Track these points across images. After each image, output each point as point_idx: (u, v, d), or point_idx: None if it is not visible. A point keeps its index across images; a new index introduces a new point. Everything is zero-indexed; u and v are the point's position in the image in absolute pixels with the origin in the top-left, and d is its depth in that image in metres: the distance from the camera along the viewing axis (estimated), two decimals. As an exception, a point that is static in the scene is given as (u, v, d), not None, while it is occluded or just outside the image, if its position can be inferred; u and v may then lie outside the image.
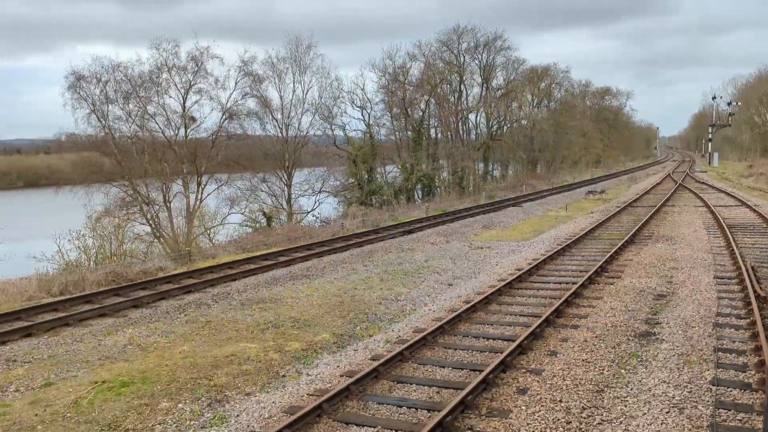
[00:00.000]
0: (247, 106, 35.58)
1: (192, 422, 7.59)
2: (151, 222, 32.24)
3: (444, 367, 8.97)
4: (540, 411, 7.27)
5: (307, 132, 40.63)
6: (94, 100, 30.44)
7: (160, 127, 32.42)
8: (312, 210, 40.72)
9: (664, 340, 9.81)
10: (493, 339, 10.17)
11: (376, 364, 8.80)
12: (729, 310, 11.29)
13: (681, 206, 29.69)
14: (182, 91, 32.74)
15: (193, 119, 33.14)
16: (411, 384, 8.39)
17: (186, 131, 33.19)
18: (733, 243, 17.44)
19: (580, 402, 7.52)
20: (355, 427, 7.13)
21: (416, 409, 7.54)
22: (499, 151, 67.30)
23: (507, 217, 28.03)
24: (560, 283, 13.93)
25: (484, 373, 8.12)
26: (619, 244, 18.01)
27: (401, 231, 23.57)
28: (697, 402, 7.35)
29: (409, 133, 53.42)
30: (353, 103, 49.88)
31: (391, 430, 6.99)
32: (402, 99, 52.45)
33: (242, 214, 35.52)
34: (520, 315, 11.54)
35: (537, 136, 71.02)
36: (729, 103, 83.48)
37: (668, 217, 25.64)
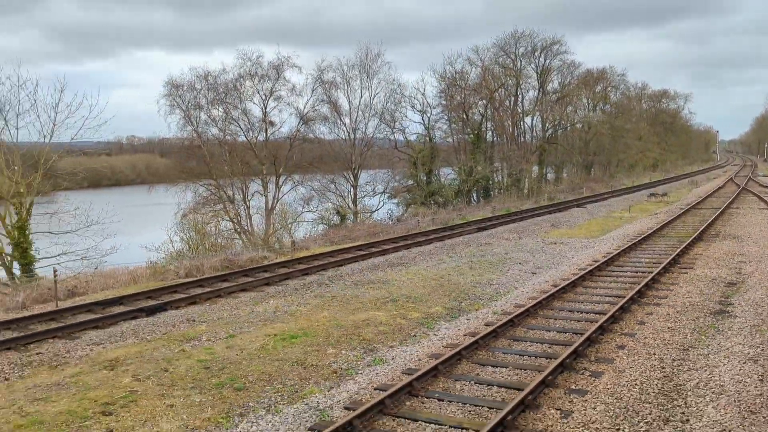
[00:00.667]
0: (320, 111, 38.19)
1: (358, 362, 9.83)
2: (233, 219, 35.14)
3: (549, 331, 10.97)
4: (638, 360, 9.20)
5: (373, 135, 42.98)
6: (187, 107, 33.56)
7: (242, 131, 35.36)
8: (377, 209, 43.03)
9: (736, 316, 11.53)
10: (586, 312, 12.08)
11: (492, 327, 10.86)
12: (796, 295, 12.85)
13: (745, 208, 30.64)
14: (263, 97, 35.65)
15: (272, 123, 35.98)
16: (525, 341, 10.42)
17: (266, 135, 36.02)
18: (799, 241, 18.70)
19: (670, 355, 9.41)
20: (491, 367, 9.23)
21: (536, 357, 9.58)
22: (554, 154, 68.26)
23: (572, 217, 29.63)
24: (637, 272, 15.68)
25: (586, 335, 10.07)
26: (688, 241, 19.54)
27: (474, 228, 25.53)
28: (769, 357, 9.13)
29: (468, 136, 55.19)
30: (414, 107, 52.11)
31: (523, 370, 9.05)
32: (461, 103, 54.34)
33: (312, 212, 38.11)
34: (606, 296, 13.41)
35: (593, 139, 71.65)
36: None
37: (733, 218, 26.78)
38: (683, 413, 7.40)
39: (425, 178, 50.68)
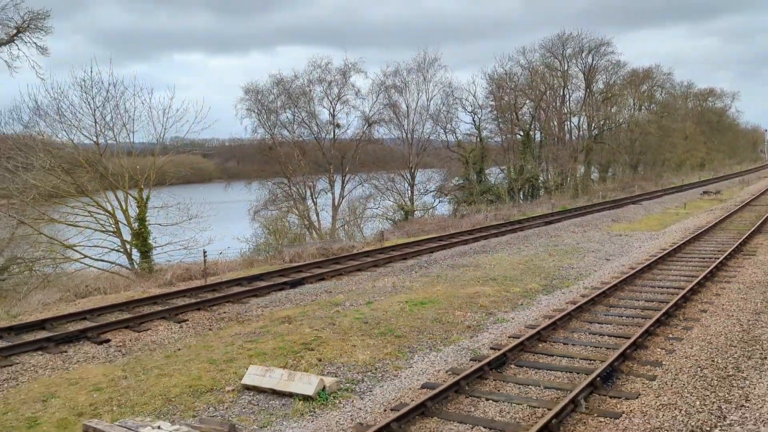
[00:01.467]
0: (382, 114, 40.84)
1: (484, 321, 12.28)
2: (302, 214, 38.01)
3: (638, 300, 13.25)
4: (719, 319, 11.44)
5: (429, 136, 45.41)
6: (261, 110, 36.57)
7: (312, 132, 38.23)
8: (433, 206, 45.43)
9: (799, 291, 13.60)
10: (665, 288, 14.30)
11: (588, 297, 13.17)
12: None
13: (800, 205, 32.08)
14: (331, 101, 38.46)
15: (339, 125, 38.76)
16: (619, 308, 12.74)
17: (334, 136, 38.85)
18: None
19: (745, 317, 11.60)
20: (597, 324, 11.57)
21: (633, 317, 11.88)
22: (600, 153, 69.56)
23: (630, 213, 31.55)
24: (704, 258, 17.77)
25: (672, 302, 12.31)
26: (747, 233, 21.45)
27: (541, 222, 27.75)
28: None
29: (518, 135, 57.19)
30: (465, 108, 54.38)
31: (624, 326, 11.37)
32: (510, 104, 56.39)
33: (376, 209, 40.73)
34: (680, 275, 15.59)
35: (639, 138, 72.66)
36: None
37: (788, 214, 28.36)
38: (761, 354, 9.62)
39: (476, 177, 52.93)
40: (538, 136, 62.05)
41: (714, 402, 7.86)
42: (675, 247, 19.45)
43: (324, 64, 38.35)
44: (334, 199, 38.94)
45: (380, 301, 13.81)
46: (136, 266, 24.02)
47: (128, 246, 24.30)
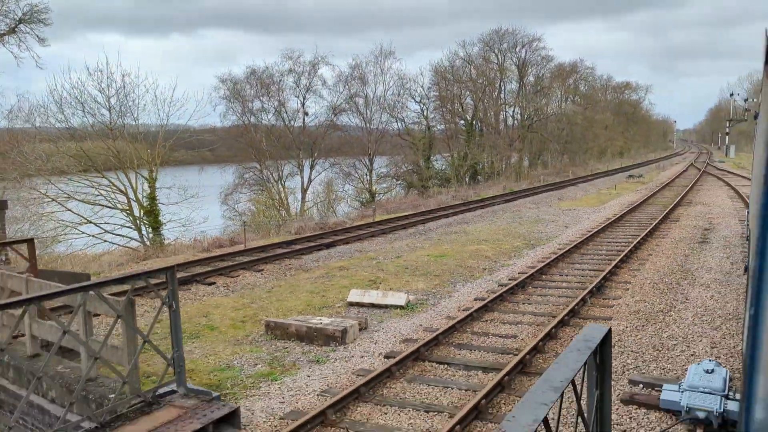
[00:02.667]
0: (349, 103, 44.43)
1: (492, 266, 16.47)
2: (275, 196, 41.12)
3: (602, 250, 17.87)
4: (662, 258, 16.17)
5: (385, 125, 49.39)
6: (239, 98, 39.27)
7: (284, 120, 41.32)
8: (390, 190, 49.52)
9: (712, 242, 18.68)
10: (619, 242, 19.04)
11: (565, 249, 17.65)
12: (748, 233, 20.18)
13: (708, 186, 38.55)
14: (302, 90, 41.67)
15: (307, 113, 42.01)
16: (589, 255, 17.28)
17: (303, 123, 42.08)
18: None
19: (679, 258, 16.40)
20: (578, 264, 16.03)
21: (603, 257, 16.42)
22: (533, 142, 75.87)
23: (571, 193, 36.87)
24: (641, 224, 22.80)
25: (628, 248, 16.96)
26: (671, 206, 26.87)
27: (500, 201, 32.42)
28: (736, 256, 16.21)
29: (461, 124, 62.20)
30: (413, 98, 58.71)
31: (598, 263, 15.88)
32: (454, 95, 61.28)
33: (342, 192, 44.37)
34: (627, 235, 20.42)
35: (566, 128, 79.62)
36: (745, 100, 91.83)
37: (700, 192, 34.51)
38: (692, 276, 14.32)
39: (424, 163, 57.51)
40: (478, 125, 67.49)
41: (666, 300, 12.36)
42: (617, 217, 24.46)
43: (296, 57, 41.56)
44: (303, 182, 42.25)
45: (407, 256, 17.74)
46: (146, 241, 26.70)
47: (139, 222, 26.89)
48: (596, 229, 21.35)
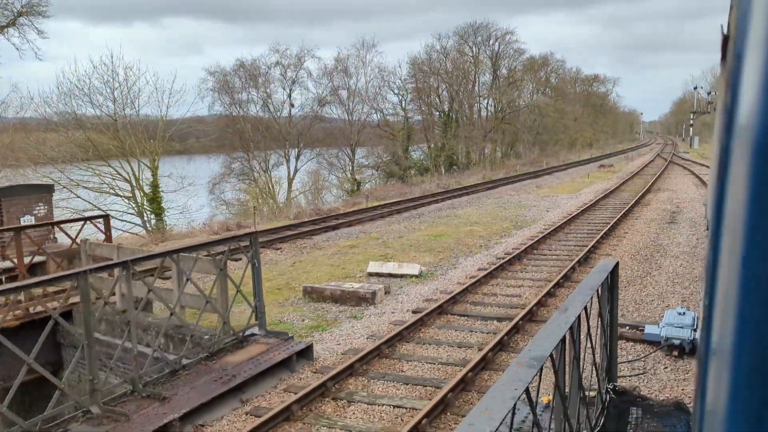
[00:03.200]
0: (330, 96, 45.99)
1: (487, 244, 18.42)
2: (261, 185, 42.52)
3: (584, 229, 19.98)
4: (637, 236, 18.34)
5: (367, 117, 51.10)
6: (227, 90, 40.53)
7: (271, 111, 42.72)
8: (371, 180, 51.26)
9: (680, 223, 20.97)
10: (597, 223, 21.19)
11: (551, 228, 19.70)
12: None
13: (674, 174, 41.29)
14: (288, 82, 43.09)
15: (293, 105, 43.48)
16: (573, 233, 19.37)
17: (290, 114, 43.54)
18: (713, 190, 28.86)
19: (651, 235, 18.59)
20: (564, 241, 18.08)
21: (586, 234, 18.51)
22: (506, 133, 78.36)
23: (547, 182, 39.17)
24: (616, 208, 25.06)
25: (608, 226, 19.09)
26: (642, 192, 29.25)
27: (481, 188, 34.47)
28: (700, 233, 18.47)
29: (438, 116, 64.21)
30: (392, 90, 60.49)
31: (582, 239, 17.96)
32: (432, 87, 63.22)
33: (327, 181, 45.97)
34: (604, 217, 22.60)
35: (537, 119, 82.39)
36: (708, 93, 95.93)
37: (667, 180, 37.14)
38: (664, 249, 16.49)
39: (402, 153, 59.42)
40: (454, 116, 69.66)
41: (643, 268, 14.46)
42: (593, 202, 26.70)
43: (283, 50, 42.96)
44: (289, 172, 43.73)
45: (408, 236, 19.58)
46: (149, 227, 27.99)
47: (141, 209, 28.16)
48: (576, 213, 23.50)
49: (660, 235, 18.68)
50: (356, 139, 50.30)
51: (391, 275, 14.35)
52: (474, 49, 72.32)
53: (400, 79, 60.35)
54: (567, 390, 4.46)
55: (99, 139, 26.13)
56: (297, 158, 43.89)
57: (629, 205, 24.66)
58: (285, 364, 8.50)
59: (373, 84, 52.30)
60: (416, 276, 14.20)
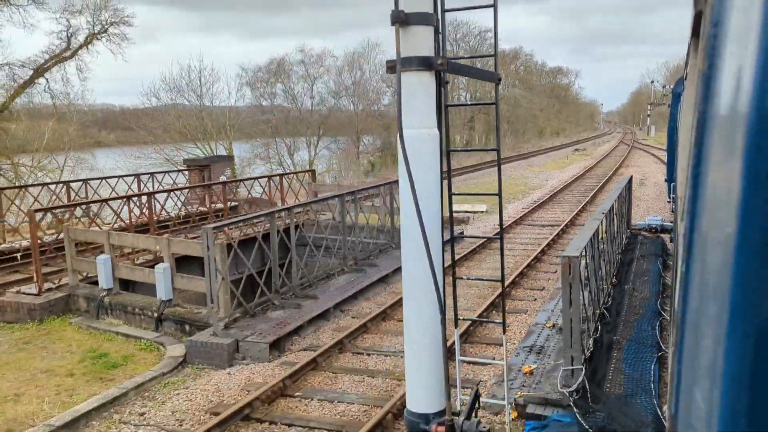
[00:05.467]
0: (343, 90, 53.70)
1: (517, 197, 26.74)
2: (288, 168, 49.86)
3: (580, 190, 28.51)
4: (619, 191, 27.01)
5: (370, 106, 58.88)
6: (259, 84, 47.80)
7: (296, 103, 50.15)
8: (377, 162, 59.12)
9: (648, 186, 29.74)
10: (588, 185, 29.76)
11: (557, 189, 28.15)
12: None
13: (638, 156, 50.66)
14: (311, 78, 50.61)
15: (313, 97, 50.95)
16: (574, 193, 27.87)
17: (312, 105, 51.05)
18: (670, 165, 38.11)
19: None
20: (570, 195, 26.56)
21: (583, 193, 27.02)
22: (481, 123, 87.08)
23: (535, 162, 47.93)
24: (599, 177, 33.78)
25: (597, 187, 27.66)
26: (616, 167, 38.14)
27: (486, 166, 42.85)
28: (661, 190, 27.19)
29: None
30: (384, 81, 68.35)
31: (581, 195, 26.46)
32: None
33: (341, 164, 53.65)
34: (592, 182, 31.23)
35: (510, 110, 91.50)
36: (663, 86, 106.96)
37: (633, 159, 46.35)
38: (639, 198, 25.10)
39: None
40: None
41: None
42: (580, 174, 35.40)
43: (307, 49, 50.44)
44: (310, 156, 51.27)
45: (456, 194, 27.72)
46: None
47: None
48: (570, 180, 32.08)
49: (635, 191, 27.30)
50: (360, 127, 58.01)
51: (467, 212, 22.45)
52: (454, 46, 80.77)
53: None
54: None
55: (188, 125, 33.24)
56: (316, 144, 51.39)
57: (609, 175, 33.38)
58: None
59: (377, 78, 59.96)
60: (484, 212, 22.34)
